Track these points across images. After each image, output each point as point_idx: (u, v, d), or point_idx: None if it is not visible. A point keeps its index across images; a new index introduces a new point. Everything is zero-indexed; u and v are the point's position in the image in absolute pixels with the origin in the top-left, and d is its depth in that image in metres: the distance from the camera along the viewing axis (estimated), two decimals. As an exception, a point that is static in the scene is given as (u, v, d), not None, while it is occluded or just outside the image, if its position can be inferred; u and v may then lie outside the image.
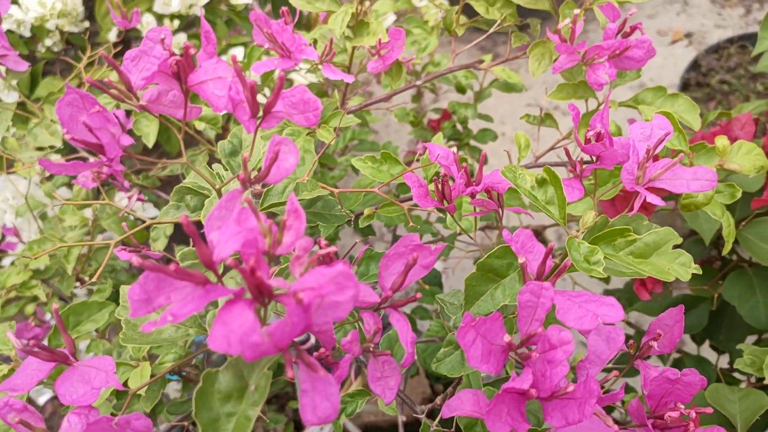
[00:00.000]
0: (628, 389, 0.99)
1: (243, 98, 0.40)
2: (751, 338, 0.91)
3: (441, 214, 1.27)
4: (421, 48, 1.03)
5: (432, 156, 0.62)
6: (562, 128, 0.95)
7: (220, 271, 0.36)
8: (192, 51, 0.41)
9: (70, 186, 1.65)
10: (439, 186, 0.59)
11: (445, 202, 0.60)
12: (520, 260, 0.44)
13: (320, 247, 0.41)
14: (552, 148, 0.82)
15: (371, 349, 0.45)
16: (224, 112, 0.98)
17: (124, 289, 0.46)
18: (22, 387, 0.40)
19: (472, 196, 0.61)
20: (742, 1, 2.79)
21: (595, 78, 0.73)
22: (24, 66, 1.01)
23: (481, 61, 0.88)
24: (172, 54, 0.42)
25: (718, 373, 0.85)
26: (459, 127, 1.31)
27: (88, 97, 0.42)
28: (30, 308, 1.23)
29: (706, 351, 0.97)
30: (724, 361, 0.95)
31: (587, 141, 0.56)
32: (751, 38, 2.05)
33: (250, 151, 0.62)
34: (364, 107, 0.85)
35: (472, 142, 1.32)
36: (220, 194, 0.51)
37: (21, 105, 1.03)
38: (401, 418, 0.80)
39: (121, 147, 0.42)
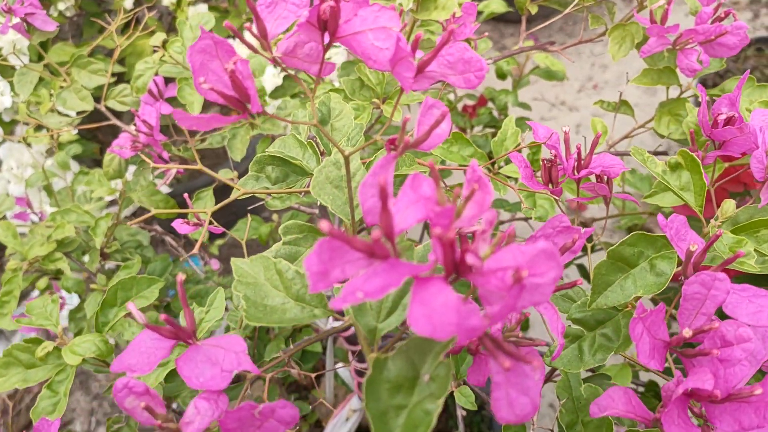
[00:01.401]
0: None
1: (410, 52, 0.35)
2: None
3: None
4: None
5: (536, 136, 0.58)
6: (620, 123, 0.92)
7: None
8: (342, -3, 0.37)
9: (77, 158, 1.57)
10: (548, 168, 0.55)
11: (551, 184, 0.56)
12: (692, 247, 0.40)
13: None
14: (627, 136, 0.79)
15: (515, 339, 0.41)
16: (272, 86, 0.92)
17: (235, 262, 0.42)
18: (140, 367, 0.36)
19: (578, 181, 0.57)
20: (749, 5, 2.81)
21: (688, 63, 0.70)
22: (52, 26, 0.95)
23: (552, 43, 0.84)
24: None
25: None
26: (495, 113, 1.27)
27: (222, 43, 0.37)
28: (42, 282, 1.16)
29: None
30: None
31: (716, 125, 0.52)
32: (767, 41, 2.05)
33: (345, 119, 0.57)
34: (432, 85, 0.80)
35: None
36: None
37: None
38: (461, 413, 0.76)
39: (260, 104, 0.37)
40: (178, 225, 0.65)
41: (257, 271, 0.42)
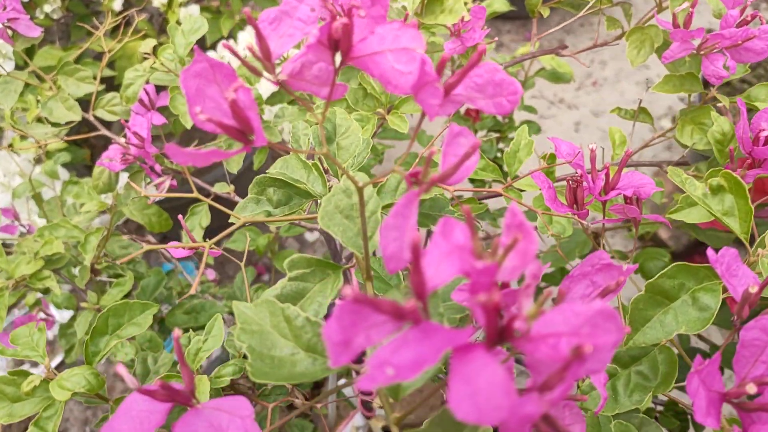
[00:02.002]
0: None
1: (436, 77, 0.31)
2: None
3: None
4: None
5: (559, 153, 0.53)
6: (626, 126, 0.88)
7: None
8: (358, 13, 0.32)
9: (67, 167, 1.52)
10: (573, 188, 0.51)
11: (576, 206, 0.52)
12: (751, 289, 0.36)
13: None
14: (646, 146, 0.74)
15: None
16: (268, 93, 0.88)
17: (237, 306, 0.37)
18: (132, 437, 0.31)
19: (605, 203, 0.53)
20: None
21: (714, 70, 0.66)
22: (36, 31, 0.90)
23: (565, 47, 0.80)
24: (334, 16, 0.32)
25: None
26: (500, 117, 1.23)
27: (220, 66, 0.32)
28: (31, 298, 1.11)
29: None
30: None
31: (756, 141, 0.48)
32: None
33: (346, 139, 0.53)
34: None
35: (511, 135, 1.25)
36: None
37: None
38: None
39: (265, 137, 0.33)
40: (174, 250, 0.61)
41: (263, 317, 0.37)
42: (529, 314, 0.28)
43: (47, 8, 1.40)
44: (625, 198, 0.52)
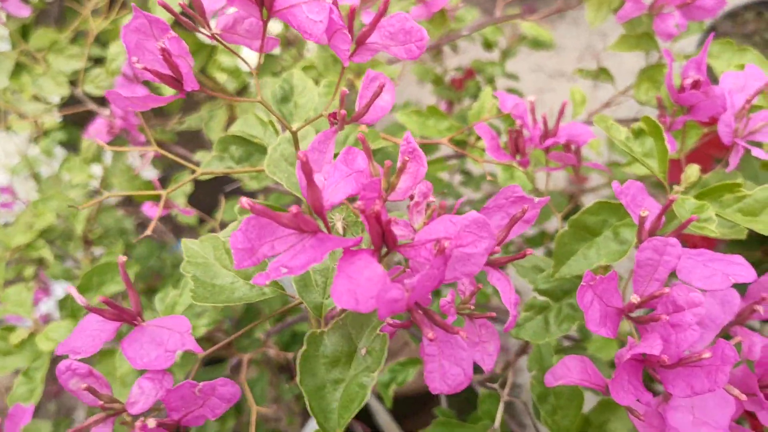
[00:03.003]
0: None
1: (343, 24, 0.34)
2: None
3: (463, 177, 1.23)
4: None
5: (503, 106, 0.57)
6: (601, 92, 0.90)
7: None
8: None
9: (64, 145, 1.57)
10: (514, 138, 0.54)
11: (518, 155, 0.55)
12: (642, 213, 0.39)
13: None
14: (608, 105, 0.77)
15: (468, 311, 0.40)
16: (253, 66, 0.91)
17: (185, 243, 0.41)
18: (84, 349, 0.35)
19: (547, 150, 0.56)
20: (749, -32, 2.74)
21: (664, 28, 0.68)
22: (26, 11, 0.94)
23: (533, 11, 0.82)
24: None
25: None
26: (483, 86, 1.25)
27: (157, 21, 0.36)
28: (29, 271, 1.17)
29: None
30: None
31: (682, 89, 0.51)
32: None
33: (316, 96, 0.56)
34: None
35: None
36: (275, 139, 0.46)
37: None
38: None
39: (196, 82, 0.36)
40: (148, 208, 0.65)
41: (207, 251, 0.41)
42: (417, 226, 0.31)
43: (41, -9, 1.44)
44: (564, 146, 0.56)
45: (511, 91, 1.24)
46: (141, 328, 0.36)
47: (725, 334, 0.50)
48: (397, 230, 0.30)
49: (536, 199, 0.41)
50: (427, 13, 0.79)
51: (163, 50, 0.34)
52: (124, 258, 0.36)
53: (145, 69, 0.35)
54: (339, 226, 0.36)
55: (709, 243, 0.84)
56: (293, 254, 0.29)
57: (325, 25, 0.35)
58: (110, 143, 0.93)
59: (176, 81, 0.36)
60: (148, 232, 0.44)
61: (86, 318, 0.37)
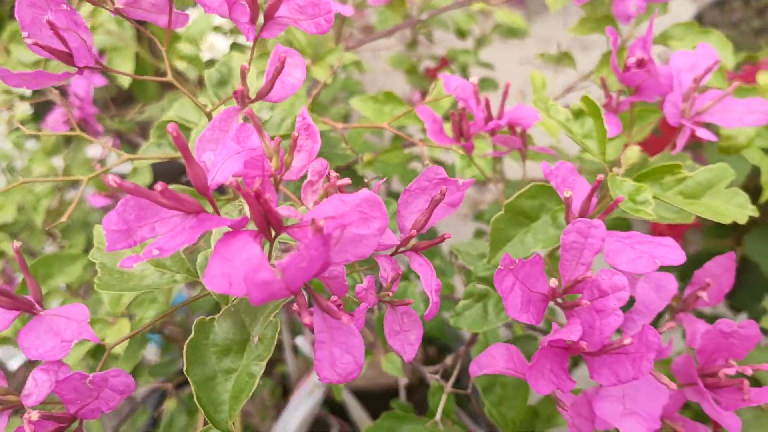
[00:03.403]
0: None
1: (241, -7, 0.33)
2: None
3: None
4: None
5: (447, 88, 0.55)
6: (568, 76, 0.89)
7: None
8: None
9: (37, 138, 1.55)
10: (457, 121, 0.53)
11: (462, 139, 0.54)
12: (566, 194, 0.38)
13: (328, 179, 0.35)
14: (570, 89, 0.75)
15: (389, 298, 0.39)
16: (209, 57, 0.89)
17: (98, 228, 0.40)
18: (-23, 341, 0.34)
19: (493, 132, 0.54)
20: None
21: (623, 9, 0.67)
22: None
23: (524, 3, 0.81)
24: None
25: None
26: (458, 75, 1.24)
27: (50, -7, 0.34)
28: (-5, 265, 1.15)
29: (721, 309, 0.93)
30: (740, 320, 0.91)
31: (627, 69, 0.49)
32: (753, -7, 1.98)
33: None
34: (367, 42, 0.77)
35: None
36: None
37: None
38: (402, 382, 0.75)
39: (93, 57, 0.35)
40: (93, 197, 0.63)
41: (118, 237, 0.40)
42: (309, 205, 0.30)
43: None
44: (510, 129, 0.54)
45: (486, 80, 1.22)
46: (39, 317, 0.35)
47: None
48: (284, 211, 0.28)
49: (461, 181, 0.40)
50: (385, -3, 0.77)
51: (50, 23, 0.32)
52: (18, 243, 0.34)
53: (36, 44, 0.33)
54: (247, 210, 0.34)
55: (676, 231, 0.83)
56: (171, 236, 0.27)
57: (222, -2, 0.33)
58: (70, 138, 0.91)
59: (69, 56, 0.34)
60: (64, 218, 0.43)
61: (-17, 307, 0.36)
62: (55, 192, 0.93)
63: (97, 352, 0.65)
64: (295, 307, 0.33)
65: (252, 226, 0.29)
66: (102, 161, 0.98)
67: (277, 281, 0.25)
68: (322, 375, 0.28)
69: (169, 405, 0.95)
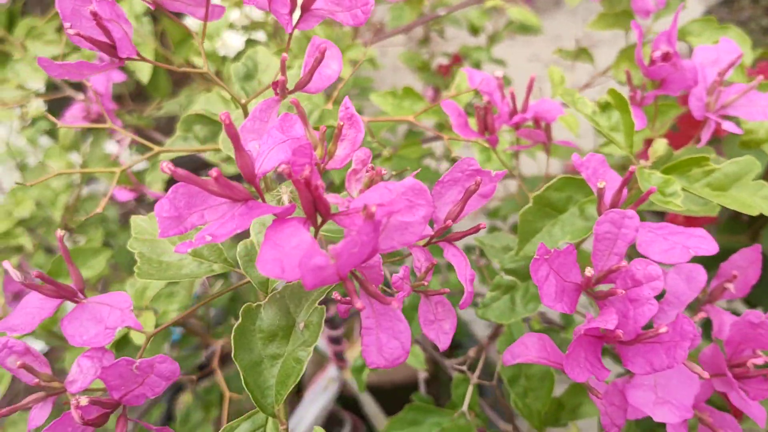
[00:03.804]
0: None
1: (283, -15, 0.33)
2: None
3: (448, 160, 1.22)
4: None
5: (472, 82, 0.55)
6: (580, 72, 0.89)
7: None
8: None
9: (51, 134, 1.56)
10: (482, 114, 0.53)
11: (486, 132, 0.54)
12: (600, 184, 0.38)
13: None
14: (588, 85, 0.76)
15: (423, 288, 0.39)
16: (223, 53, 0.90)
17: (135, 220, 0.40)
18: (23, 327, 0.34)
19: (517, 126, 0.55)
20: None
21: (642, 5, 0.67)
22: (3, -2, 0.93)
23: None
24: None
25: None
26: (469, 73, 1.24)
27: (92, -15, 0.35)
28: (13, 261, 1.16)
29: (734, 305, 0.93)
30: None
31: (652, 62, 0.50)
32: (761, -9, 1.98)
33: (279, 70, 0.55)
34: (385, 38, 0.77)
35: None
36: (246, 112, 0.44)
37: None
38: (421, 375, 0.75)
39: (135, 48, 0.35)
40: (118, 191, 0.64)
41: (155, 228, 0.40)
42: (354, 193, 0.30)
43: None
44: (535, 123, 0.54)
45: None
46: (82, 305, 0.35)
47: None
48: (332, 198, 0.29)
49: (493, 173, 0.40)
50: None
51: (94, 13, 0.33)
52: (62, 232, 0.35)
53: (78, 35, 0.34)
54: (285, 198, 0.35)
55: (693, 225, 0.83)
56: (221, 223, 0.28)
57: (264, -12, 0.34)
58: (88, 130, 0.92)
59: (112, 47, 0.34)
60: (99, 209, 0.43)
61: (28, 296, 0.36)
62: (73, 188, 0.93)
63: (121, 344, 0.66)
64: (336, 295, 0.33)
65: (298, 213, 0.29)
66: (116, 159, 0.98)
67: (330, 266, 0.25)
68: (369, 360, 0.29)
69: (186, 399, 0.95)
